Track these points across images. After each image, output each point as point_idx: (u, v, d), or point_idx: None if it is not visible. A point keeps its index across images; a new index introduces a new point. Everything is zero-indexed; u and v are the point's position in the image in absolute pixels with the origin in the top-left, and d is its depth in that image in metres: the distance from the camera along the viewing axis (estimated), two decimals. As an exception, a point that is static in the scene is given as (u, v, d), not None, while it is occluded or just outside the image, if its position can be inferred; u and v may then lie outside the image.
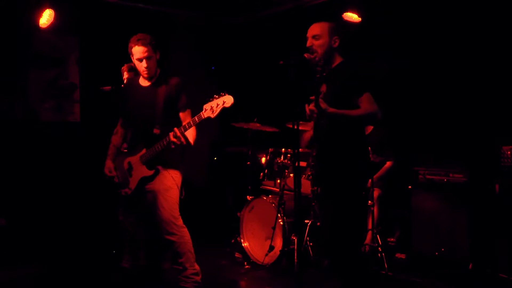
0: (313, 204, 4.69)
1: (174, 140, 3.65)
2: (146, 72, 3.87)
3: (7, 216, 5.03)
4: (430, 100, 5.20)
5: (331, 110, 3.14)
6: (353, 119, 3.24)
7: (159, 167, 3.89)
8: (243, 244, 5.02)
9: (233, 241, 5.22)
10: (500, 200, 4.32)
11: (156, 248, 4.29)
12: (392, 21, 5.32)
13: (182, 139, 3.65)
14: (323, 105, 3.11)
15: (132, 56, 3.88)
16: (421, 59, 5.22)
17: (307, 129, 3.65)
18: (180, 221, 3.91)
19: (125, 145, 4.22)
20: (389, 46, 5.34)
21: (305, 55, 3.31)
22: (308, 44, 3.36)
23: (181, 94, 3.93)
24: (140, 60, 3.83)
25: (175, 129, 3.65)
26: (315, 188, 3.45)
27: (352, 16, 5.22)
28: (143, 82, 4.00)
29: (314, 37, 3.35)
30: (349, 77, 3.27)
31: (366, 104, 3.22)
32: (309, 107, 3.16)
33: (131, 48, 3.85)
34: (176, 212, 3.90)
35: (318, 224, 4.67)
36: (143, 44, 3.79)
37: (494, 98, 4.76)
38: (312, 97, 3.17)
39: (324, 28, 3.36)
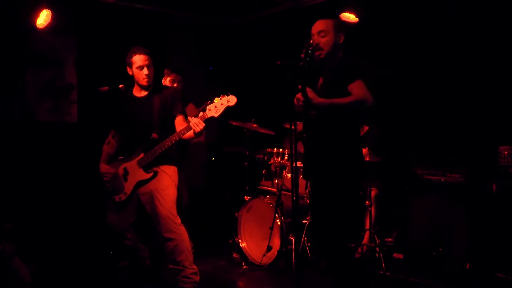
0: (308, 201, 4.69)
1: (194, 127, 3.64)
2: (146, 79, 3.95)
3: (4, 216, 5.02)
4: (428, 101, 5.20)
5: (319, 100, 3.13)
6: (342, 107, 3.20)
7: (156, 169, 3.92)
8: (241, 245, 5.02)
9: (231, 241, 5.23)
10: (497, 200, 4.33)
11: (159, 248, 4.29)
12: (390, 21, 5.33)
13: (203, 125, 3.65)
14: (310, 94, 3.11)
15: (132, 65, 3.95)
16: (418, 59, 5.23)
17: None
18: (178, 219, 3.94)
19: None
20: (387, 46, 5.35)
21: (303, 55, 3.31)
22: (315, 41, 3.35)
23: (176, 101, 4.00)
24: (141, 68, 3.91)
25: (195, 119, 3.67)
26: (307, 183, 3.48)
27: (349, 17, 5.23)
28: (138, 93, 4.06)
29: (319, 33, 3.36)
30: (343, 67, 3.28)
31: (356, 90, 3.19)
32: (296, 96, 3.16)
33: (131, 57, 3.93)
34: (174, 211, 3.94)
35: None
36: (144, 53, 3.91)
37: (492, 98, 4.77)
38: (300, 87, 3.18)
39: (330, 24, 3.37)
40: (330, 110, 3.21)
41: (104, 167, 4.08)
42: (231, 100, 3.64)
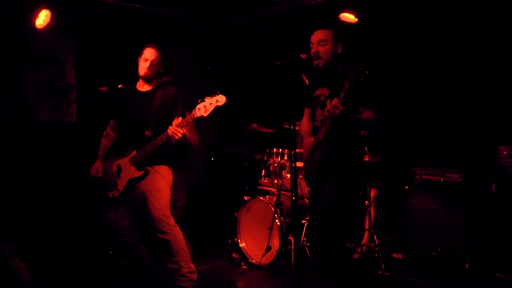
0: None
1: (173, 135, 3.70)
2: (144, 72, 3.98)
3: (4, 216, 5.02)
4: (427, 101, 5.21)
5: (352, 113, 3.25)
6: (361, 124, 3.37)
7: (149, 168, 3.93)
8: (240, 245, 5.02)
9: (230, 241, 5.23)
10: (496, 200, 4.34)
11: (158, 247, 4.30)
12: (389, 21, 5.33)
13: (181, 133, 3.71)
14: (345, 106, 3.18)
15: (141, 55, 4.00)
16: (418, 59, 5.23)
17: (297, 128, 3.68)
18: (171, 220, 3.94)
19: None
20: (386, 46, 5.35)
21: (302, 55, 3.33)
22: (314, 49, 3.42)
23: (177, 103, 4.01)
24: (146, 60, 3.96)
25: (172, 127, 3.72)
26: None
27: (348, 17, 5.23)
28: (141, 87, 4.07)
29: (319, 42, 3.42)
30: (356, 84, 3.30)
31: (368, 113, 3.34)
32: (332, 104, 3.20)
33: (144, 49, 3.99)
34: (168, 211, 3.94)
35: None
36: (156, 48, 3.97)
37: (491, 98, 4.77)
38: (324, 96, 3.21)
39: (329, 34, 3.44)
40: (353, 122, 3.34)
41: (95, 167, 4.10)
42: (220, 99, 3.65)
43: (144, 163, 3.93)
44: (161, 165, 3.99)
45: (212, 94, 3.68)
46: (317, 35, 3.45)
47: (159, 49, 3.98)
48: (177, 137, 3.71)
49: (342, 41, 3.46)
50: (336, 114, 3.20)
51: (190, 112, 3.76)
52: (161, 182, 3.94)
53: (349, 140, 3.43)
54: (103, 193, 4.06)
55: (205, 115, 3.67)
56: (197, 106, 3.70)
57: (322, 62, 3.41)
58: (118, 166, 4.02)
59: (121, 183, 3.98)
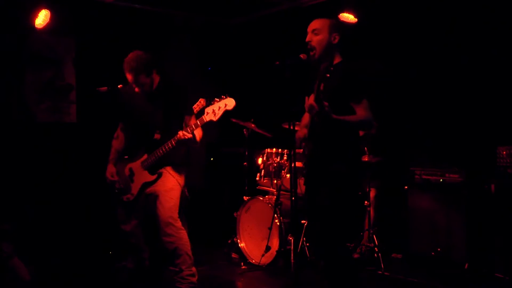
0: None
1: (181, 138, 3.68)
2: (140, 89, 3.89)
3: (3, 216, 5.02)
4: (426, 101, 5.21)
5: (334, 116, 3.11)
6: (351, 125, 3.25)
7: (161, 170, 3.90)
8: (239, 245, 5.03)
9: (229, 241, 5.23)
10: (495, 200, 4.34)
11: (161, 249, 4.29)
12: (389, 21, 5.34)
13: (188, 137, 3.69)
14: (327, 109, 3.06)
15: None
16: (417, 59, 5.23)
17: (297, 128, 3.66)
18: (178, 223, 3.91)
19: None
20: (386, 46, 5.36)
21: (301, 55, 3.30)
22: (308, 38, 3.34)
23: (186, 100, 3.97)
24: (131, 83, 3.87)
25: (181, 131, 3.70)
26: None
27: (348, 17, 5.23)
28: None
29: (313, 31, 3.35)
30: (348, 79, 3.25)
31: (363, 111, 3.21)
32: (309, 102, 3.15)
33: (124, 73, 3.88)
34: (175, 214, 3.91)
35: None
36: (128, 71, 3.81)
37: (490, 98, 4.77)
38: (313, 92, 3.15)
39: (325, 24, 3.36)
40: (340, 125, 3.23)
41: (109, 171, 4.04)
42: (229, 103, 3.62)
43: (156, 167, 3.90)
44: (173, 166, 3.95)
45: (219, 97, 3.64)
46: (312, 24, 3.38)
47: (129, 70, 3.80)
48: (185, 140, 3.69)
49: (339, 31, 3.36)
50: (313, 114, 3.15)
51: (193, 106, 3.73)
52: (172, 182, 3.91)
53: (336, 139, 3.30)
54: (118, 196, 4.02)
55: (214, 119, 3.64)
56: (206, 110, 3.67)
57: (317, 53, 3.32)
58: (131, 169, 3.99)
59: (135, 187, 3.95)
